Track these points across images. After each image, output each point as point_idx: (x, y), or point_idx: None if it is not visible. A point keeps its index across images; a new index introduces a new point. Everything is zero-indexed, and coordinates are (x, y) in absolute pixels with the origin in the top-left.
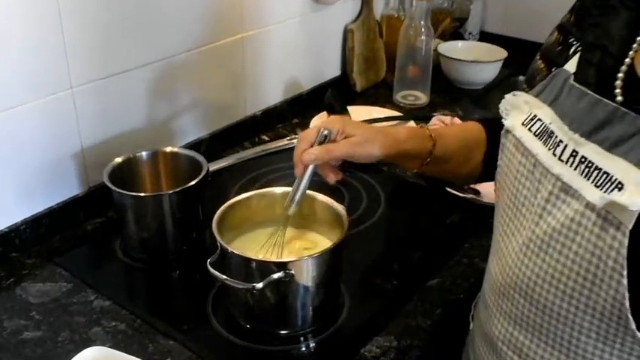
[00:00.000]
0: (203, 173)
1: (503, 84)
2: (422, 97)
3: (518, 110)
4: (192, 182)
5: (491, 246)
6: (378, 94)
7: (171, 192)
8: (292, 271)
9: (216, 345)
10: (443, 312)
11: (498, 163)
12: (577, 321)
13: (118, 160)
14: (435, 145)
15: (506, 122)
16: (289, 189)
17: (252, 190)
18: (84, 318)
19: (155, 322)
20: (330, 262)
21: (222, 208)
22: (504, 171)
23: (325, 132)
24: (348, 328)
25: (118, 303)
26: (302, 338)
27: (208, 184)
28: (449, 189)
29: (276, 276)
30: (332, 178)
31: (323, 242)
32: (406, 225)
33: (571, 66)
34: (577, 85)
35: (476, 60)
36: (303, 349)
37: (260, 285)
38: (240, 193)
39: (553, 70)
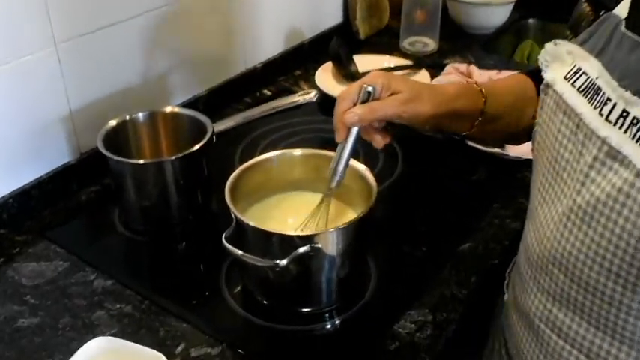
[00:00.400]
0: (208, 135)
1: (514, 28)
2: (430, 44)
3: (560, 62)
4: (197, 146)
5: (528, 211)
6: (383, 41)
7: (174, 158)
8: (318, 245)
9: (234, 325)
10: (478, 279)
11: (537, 120)
12: (624, 301)
13: (112, 123)
14: (487, 102)
15: (546, 75)
16: (309, 151)
17: (259, 151)
18: (84, 301)
19: (164, 303)
20: (358, 233)
21: (235, 173)
22: (544, 130)
23: (369, 88)
24: (377, 302)
25: (121, 282)
26: (327, 315)
27: (215, 145)
28: (470, 142)
29: (301, 250)
30: (379, 141)
31: (347, 211)
32: (428, 184)
33: (622, 9)
34: (629, 33)
35: (486, 2)
36: (329, 326)
37: (284, 262)
38: (246, 155)
39: (601, 14)
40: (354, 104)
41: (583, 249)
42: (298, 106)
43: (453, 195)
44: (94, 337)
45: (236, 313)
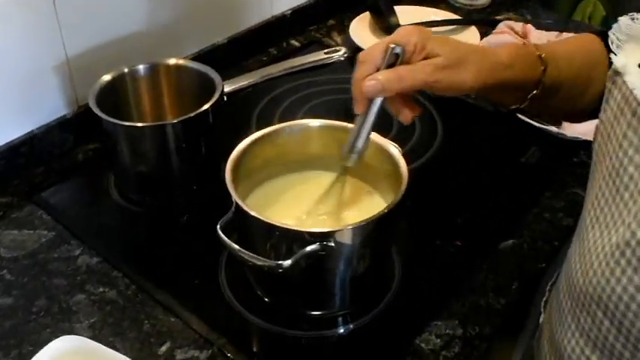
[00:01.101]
0: (217, 95)
1: None
2: None
3: (636, 43)
4: (204, 107)
5: (577, 227)
6: None
7: (176, 121)
8: (332, 244)
9: (229, 325)
10: (520, 287)
11: (600, 116)
12: None
13: (107, 77)
14: (546, 71)
15: (616, 60)
16: (330, 122)
17: (278, 116)
18: (65, 280)
19: (153, 290)
20: (381, 229)
21: (239, 148)
22: (607, 131)
23: (397, 49)
24: (398, 308)
25: (108, 261)
26: (337, 321)
27: (224, 107)
28: (522, 116)
29: (309, 249)
30: (407, 115)
31: (368, 195)
32: (469, 164)
33: None
34: None
35: None
36: (339, 334)
37: (288, 263)
38: (263, 119)
39: None
40: (378, 69)
41: (638, 296)
42: (325, 65)
43: (497, 179)
44: (70, 325)
45: (233, 311)
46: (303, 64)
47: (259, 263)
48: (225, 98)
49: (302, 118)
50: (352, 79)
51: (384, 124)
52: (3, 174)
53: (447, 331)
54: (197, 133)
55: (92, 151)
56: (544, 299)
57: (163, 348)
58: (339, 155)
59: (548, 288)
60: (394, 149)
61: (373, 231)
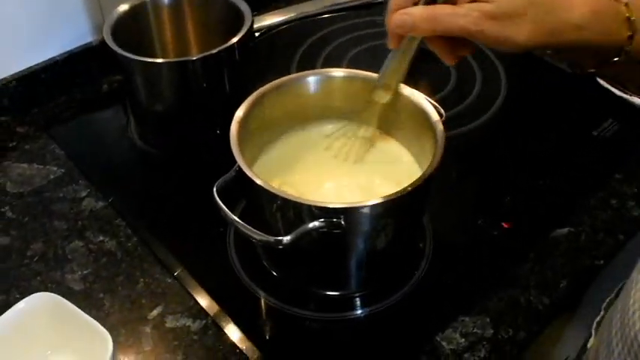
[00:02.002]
0: (245, 29)
1: None
2: None
3: None
4: (229, 42)
5: None
6: None
7: (197, 57)
8: (342, 222)
9: (229, 295)
10: (569, 286)
11: None
12: None
13: (125, 7)
14: (634, 38)
15: None
16: (354, 72)
17: (321, 61)
18: (66, 224)
19: (155, 247)
20: (408, 206)
21: (250, 99)
22: None
23: None
24: (422, 294)
25: (114, 207)
26: (351, 303)
27: (256, 47)
28: (601, 81)
29: (311, 226)
30: (450, 58)
31: (404, 159)
32: (531, 132)
33: None
34: None
35: None
36: (351, 318)
37: (287, 239)
38: (301, 67)
39: None
40: (415, 3)
41: None
42: (371, 4)
43: (560, 152)
44: (62, 274)
45: (237, 279)
46: (345, 3)
47: (257, 237)
48: (255, 35)
49: (347, 66)
50: (386, 10)
51: (438, 79)
52: (21, 101)
53: (475, 330)
54: (221, 71)
55: (118, 82)
56: (597, 319)
57: (154, 312)
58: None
59: (604, 306)
60: (434, 113)
61: (397, 208)
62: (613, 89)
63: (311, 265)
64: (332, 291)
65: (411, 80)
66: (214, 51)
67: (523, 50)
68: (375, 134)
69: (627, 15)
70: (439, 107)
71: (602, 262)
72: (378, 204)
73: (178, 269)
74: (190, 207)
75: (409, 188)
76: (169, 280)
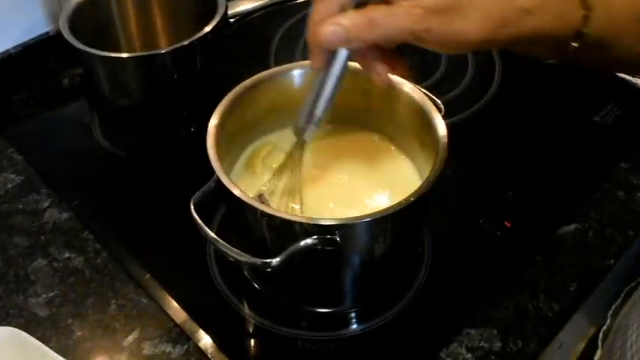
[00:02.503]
0: (218, 17)
1: None
2: None
3: None
4: (203, 31)
5: None
6: None
7: (166, 50)
8: (337, 238)
9: (213, 316)
10: (579, 290)
11: None
12: None
13: None
14: (589, 19)
15: None
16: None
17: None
18: (27, 240)
19: (127, 262)
20: (409, 217)
21: (226, 100)
22: None
23: None
24: (422, 307)
25: (80, 218)
26: (344, 320)
27: (229, 34)
28: None
29: (303, 244)
30: (382, 75)
31: (401, 162)
32: (528, 122)
33: None
34: None
35: None
36: (344, 336)
37: (276, 261)
38: (281, 55)
39: None
40: (343, 7)
41: None
42: None
43: (561, 142)
44: (24, 298)
45: (220, 298)
46: None
47: (242, 260)
48: (229, 22)
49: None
50: (307, 22)
51: (429, 62)
52: None
53: (482, 343)
54: (194, 63)
55: (80, 76)
56: (603, 329)
57: (130, 338)
58: (365, 106)
59: (610, 313)
60: (432, 109)
61: (391, 223)
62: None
63: (301, 282)
64: (324, 308)
65: None
66: (186, 42)
67: (475, 47)
68: (368, 135)
69: None
70: (437, 101)
71: (612, 261)
72: (376, 219)
73: (154, 288)
74: (165, 216)
75: (411, 199)
76: (145, 301)
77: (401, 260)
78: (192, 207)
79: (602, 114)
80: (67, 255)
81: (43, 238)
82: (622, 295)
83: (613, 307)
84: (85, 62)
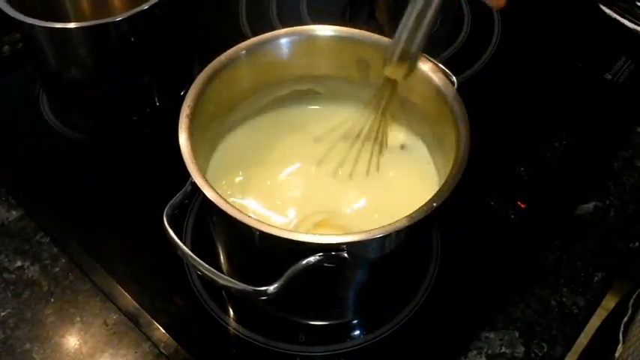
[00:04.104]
0: None
1: None
2: None
3: None
4: None
5: None
6: None
7: (120, 18)
8: (345, 254)
9: (196, 336)
10: (605, 279)
11: None
12: None
13: None
14: None
15: None
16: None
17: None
18: None
19: (93, 271)
20: (422, 227)
21: (199, 81)
22: None
23: None
24: (433, 310)
25: (33, 217)
26: (348, 332)
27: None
28: (608, 10)
29: (305, 262)
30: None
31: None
32: (535, 81)
33: None
34: None
35: None
36: (346, 351)
37: (274, 288)
38: (253, 10)
39: None
40: None
41: None
42: None
43: (571, 105)
44: None
45: (205, 312)
46: None
47: (233, 288)
48: None
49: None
50: None
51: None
52: None
53: (503, 349)
54: (155, 31)
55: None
56: (625, 320)
57: None
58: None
59: (631, 303)
60: (445, 83)
61: (406, 235)
62: (624, 21)
63: (299, 296)
64: (324, 321)
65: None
66: (145, 6)
67: None
68: (382, 123)
69: None
70: (450, 73)
71: (637, 244)
72: (390, 234)
73: (124, 300)
74: (134, 213)
75: (426, 210)
76: (115, 316)
77: (410, 263)
78: (165, 221)
79: (614, 71)
80: (19, 264)
81: None
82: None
83: (634, 296)
84: (26, 33)
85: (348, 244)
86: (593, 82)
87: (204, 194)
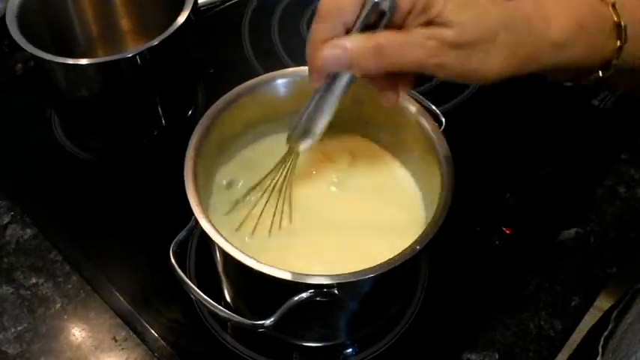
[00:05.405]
0: (188, 9)
1: None
2: None
3: None
4: (171, 29)
5: None
6: None
7: (132, 54)
8: (335, 291)
9: (194, 349)
10: (583, 304)
11: None
12: None
13: None
14: (623, 49)
15: None
16: None
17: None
18: None
19: (100, 285)
20: (412, 262)
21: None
22: None
23: (383, 3)
24: (420, 331)
25: (47, 235)
26: (340, 352)
27: (201, 24)
28: None
29: (297, 299)
30: (390, 99)
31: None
32: (523, 106)
33: None
34: None
35: None
36: None
37: (270, 321)
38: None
39: None
40: (347, 29)
41: None
42: None
43: (558, 131)
44: None
45: (204, 329)
46: None
47: (232, 319)
48: (200, 10)
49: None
50: (307, 40)
51: None
52: None
53: None
54: (164, 63)
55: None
56: (605, 333)
57: None
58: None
59: (613, 316)
60: (432, 125)
61: (396, 271)
62: None
63: (295, 323)
64: (318, 342)
65: None
66: (155, 42)
67: (491, 82)
68: (360, 142)
69: (616, 20)
70: (437, 112)
71: (614, 269)
72: (382, 273)
73: (132, 317)
74: (142, 231)
75: (417, 247)
76: (123, 333)
77: (399, 290)
78: (172, 258)
79: (600, 97)
80: (34, 280)
81: (6, 260)
82: (626, 297)
83: (616, 312)
84: (39, 63)
85: (338, 284)
86: (580, 107)
87: (209, 237)
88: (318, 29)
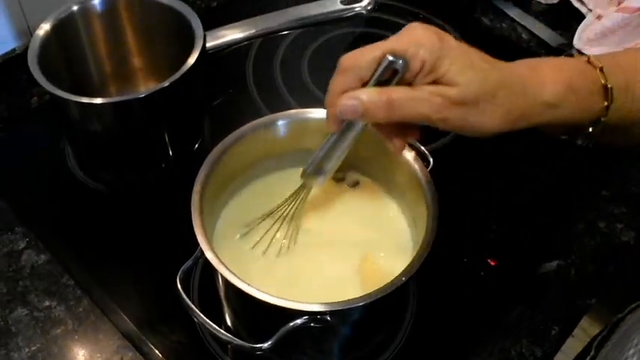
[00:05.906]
0: (197, 52)
1: None
2: None
3: None
4: (181, 71)
5: None
6: None
7: (144, 95)
8: (328, 318)
9: None
10: (562, 332)
11: None
12: None
13: (47, 25)
14: (610, 108)
15: None
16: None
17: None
18: (5, 286)
19: (108, 309)
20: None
21: (212, 154)
22: None
23: (397, 64)
24: (409, 353)
25: (60, 260)
26: None
27: (208, 63)
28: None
29: (292, 324)
30: (397, 145)
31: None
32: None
33: None
34: None
35: None
36: None
37: (268, 345)
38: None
39: None
40: (364, 82)
41: None
42: (341, 19)
43: (540, 166)
44: (7, 353)
45: (205, 351)
46: (312, 17)
47: (232, 342)
48: (208, 54)
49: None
50: (328, 90)
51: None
52: None
53: None
54: (172, 102)
55: (51, 94)
56: (589, 358)
57: None
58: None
59: (595, 345)
60: (420, 165)
61: (386, 299)
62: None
63: (291, 346)
64: None
65: None
66: (166, 84)
67: (488, 136)
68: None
69: (603, 82)
70: (426, 153)
71: (593, 300)
72: (371, 302)
73: (139, 340)
74: (150, 258)
75: (404, 279)
76: (130, 354)
77: (389, 315)
78: (179, 286)
79: (581, 138)
80: (47, 303)
81: (21, 284)
82: (609, 326)
83: (598, 339)
84: (55, 100)
85: (330, 311)
86: (563, 145)
87: (214, 267)
88: (338, 81)
